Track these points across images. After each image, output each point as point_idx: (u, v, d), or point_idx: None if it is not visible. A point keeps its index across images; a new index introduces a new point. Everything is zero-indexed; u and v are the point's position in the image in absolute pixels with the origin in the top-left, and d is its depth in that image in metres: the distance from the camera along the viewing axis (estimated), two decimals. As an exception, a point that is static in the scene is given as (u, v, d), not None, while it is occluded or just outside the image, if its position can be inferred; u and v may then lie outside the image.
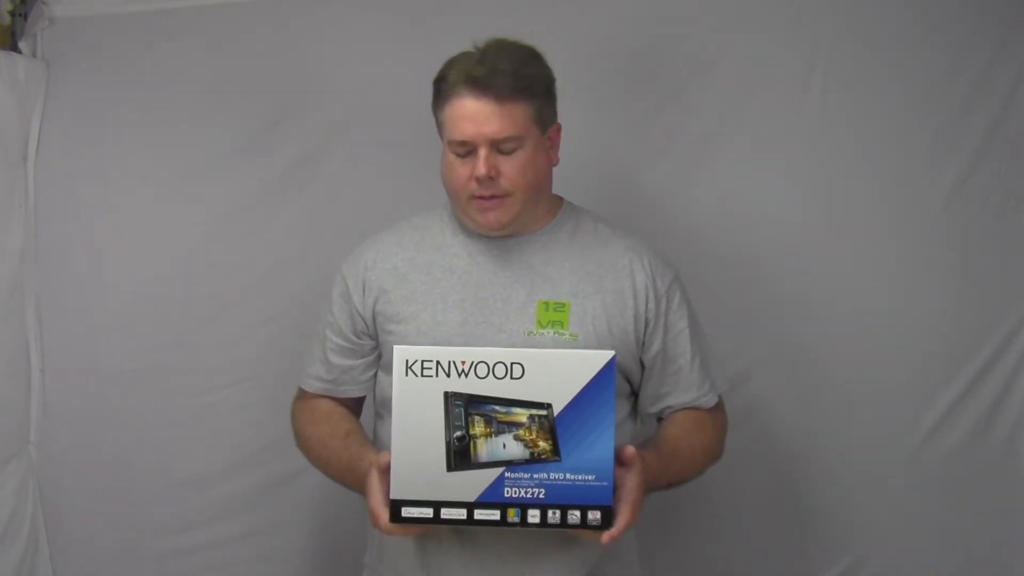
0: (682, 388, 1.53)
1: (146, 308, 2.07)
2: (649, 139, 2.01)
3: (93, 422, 2.07)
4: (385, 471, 1.34)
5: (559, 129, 1.53)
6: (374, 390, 1.58)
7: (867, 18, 1.96)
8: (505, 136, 1.42)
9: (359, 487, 1.41)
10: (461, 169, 1.45)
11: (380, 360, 1.55)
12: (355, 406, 1.60)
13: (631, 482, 1.34)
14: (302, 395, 1.61)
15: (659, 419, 1.57)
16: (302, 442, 1.58)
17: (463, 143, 1.44)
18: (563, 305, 1.47)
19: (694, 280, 1.60)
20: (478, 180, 1.43)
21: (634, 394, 1.56)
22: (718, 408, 1.58)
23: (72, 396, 2.08)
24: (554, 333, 1.45)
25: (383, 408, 1.54)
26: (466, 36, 1.51)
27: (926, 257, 1.96)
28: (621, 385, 1.49)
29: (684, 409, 1.54)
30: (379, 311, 1.51)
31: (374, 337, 1.54)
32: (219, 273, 2.07)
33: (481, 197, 1.44)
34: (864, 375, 1.96)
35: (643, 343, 1.51)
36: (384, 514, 1.33)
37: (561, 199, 1.58)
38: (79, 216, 2.10)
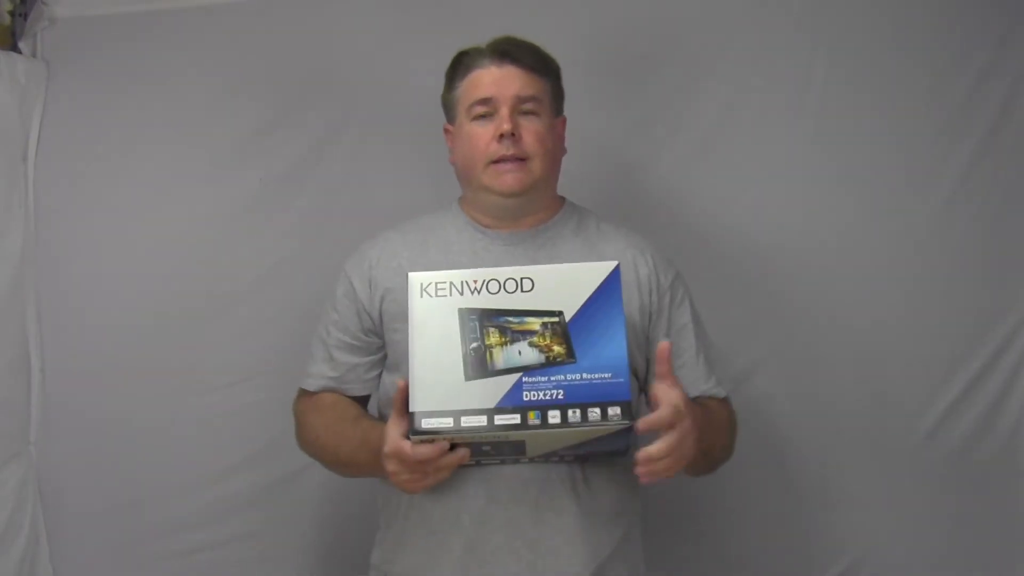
0: (690, 381, 1.51)
1: (146, 308, 2.07)
2: (650, 139, 2.02)
3: (93, 422, 2.07)
4: (401, 413, 1.32)
5: (565, 122, 1.58)
6: (378, 392, 1.56)
7: (867, 18, 1.97)
8: (528, 95, 1.48)
9: (373, 458, 1.38)
10: (482, 132, 1.48)
11: (386, 360, 1.54)
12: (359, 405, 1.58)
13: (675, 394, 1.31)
14: (303, 395, 1.59)
15: None
16: (308, 433, 1.55)
17: (485, 101, 1.48)
18: None
19: (695, 279, 1.60)
20: (501, 137, 1.45)
21: (640, 391, 1.55)
22: (727, 403, 1.57)
23: (72, 396, 2.08)
24: None
25: (388, 409, 1.53)
26: (468, 37, 1.52)
27: (926, 257, 1.95)
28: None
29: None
30: (385, 309, 1.51)
31: (381, 336, 1.53)
32: (219, 273, 2.07)
33: (502, 160, 1.46)
34: (864, 374, 1.96)
35: (648, 337, 1.51)
36: (405, 444, 1.31)
37: (563, 198, 1.59)
38: (79, 216, 2.10)
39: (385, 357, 1.54)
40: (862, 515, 1.97)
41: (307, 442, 1.56)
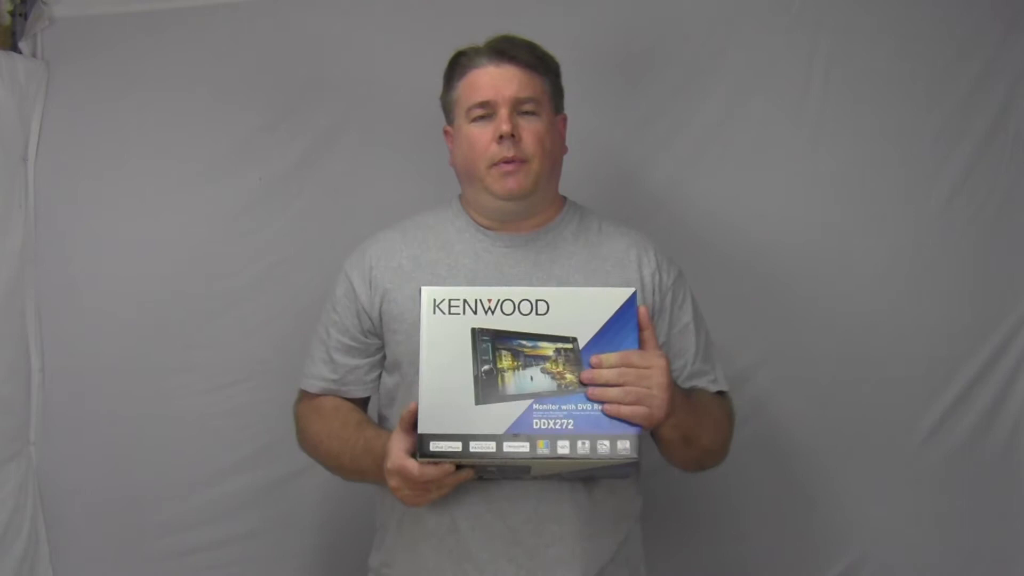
0: (690, 378, 1.51)
1: (146, 308, 2.07)
2: (650, 139, 2.01)
3: (93, 422, 2.07)
4: (407, 429, 1.31)
5: (565, 120, 1.57)
6: (378, 392, 1.56)
7: (867, 18, 1.97)
8: (526, 96, 1.47)
9: (376, 467, 1.38)
10: (481, 134, 1.47)
11: (385, 362, 1.54)
12: (359, 407, 1.57)
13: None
14: (304, 396, 1.58)
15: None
16: (310, 438, 1.54)
17: (484, 104, 1.47)
18: None
19: (696, 278, 1.60)
20: (500, 139, 1.45)
21: None
22: (726, 400, 1.56)
23: (72, 396, 2.08)
24: None
25: (388, 410, 1.53)
26: (468, 37, 1.52)
27: (926, 257, 1.95)
28: None
29: None
30: (385, 310, 1.50)
31: (380, 337, 1.52)
32: (219, 273, 2.07)
33: (502, 162, 1.45)
34: (864, 375, 1.96)
35: None
36: (411, 463, 1.30)
37: (564, 198, 1.59)
38: (79, 216, 2.10)
39: (385, 358, 1.54)
40: (862, 515, 1.97)
41: (308, 446, 1.55)
